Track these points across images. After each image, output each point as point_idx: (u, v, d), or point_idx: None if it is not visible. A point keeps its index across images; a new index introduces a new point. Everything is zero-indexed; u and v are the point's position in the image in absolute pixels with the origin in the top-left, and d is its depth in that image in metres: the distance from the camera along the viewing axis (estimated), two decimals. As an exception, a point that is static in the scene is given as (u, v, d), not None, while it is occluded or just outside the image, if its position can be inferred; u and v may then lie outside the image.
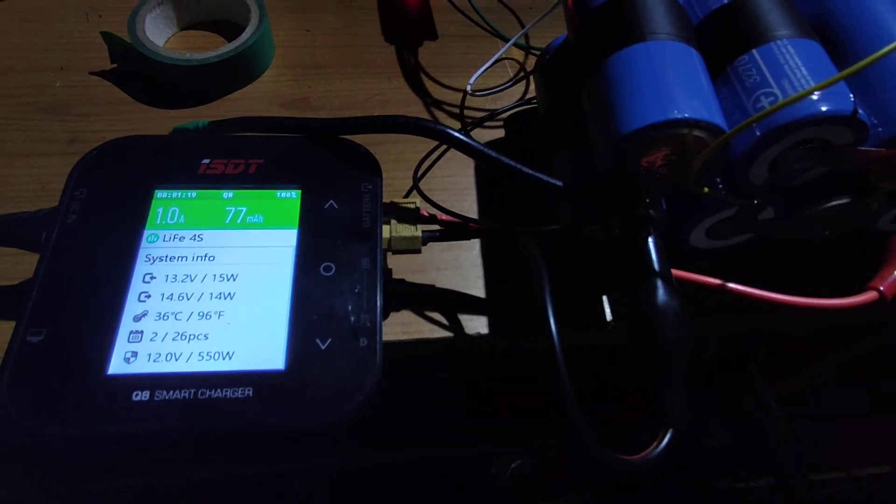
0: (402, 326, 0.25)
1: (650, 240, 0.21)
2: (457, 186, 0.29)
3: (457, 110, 0.32)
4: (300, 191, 0.22)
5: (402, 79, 0.33)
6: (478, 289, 0.26)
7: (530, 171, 0.22)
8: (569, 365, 0.19)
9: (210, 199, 0.21)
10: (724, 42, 0.23)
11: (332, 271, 0.20)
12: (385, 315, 0.25)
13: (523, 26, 0.36)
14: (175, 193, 0.21)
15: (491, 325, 0.25)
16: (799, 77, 0.21)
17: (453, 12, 0.36)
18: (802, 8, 0.24)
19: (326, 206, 0.22)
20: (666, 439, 0.19)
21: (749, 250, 0.27)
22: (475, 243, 0.27)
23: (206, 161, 0.22)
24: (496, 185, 0.29)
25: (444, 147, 0.29)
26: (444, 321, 0.25)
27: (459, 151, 0.22)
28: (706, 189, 0.22)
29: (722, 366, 0.46)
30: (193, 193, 0.22)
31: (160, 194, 0.21)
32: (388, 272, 0.26)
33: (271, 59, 0.33)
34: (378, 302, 0.20)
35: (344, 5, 0.36)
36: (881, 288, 0.22)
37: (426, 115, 0.31)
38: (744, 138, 0.21)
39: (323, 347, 0.19)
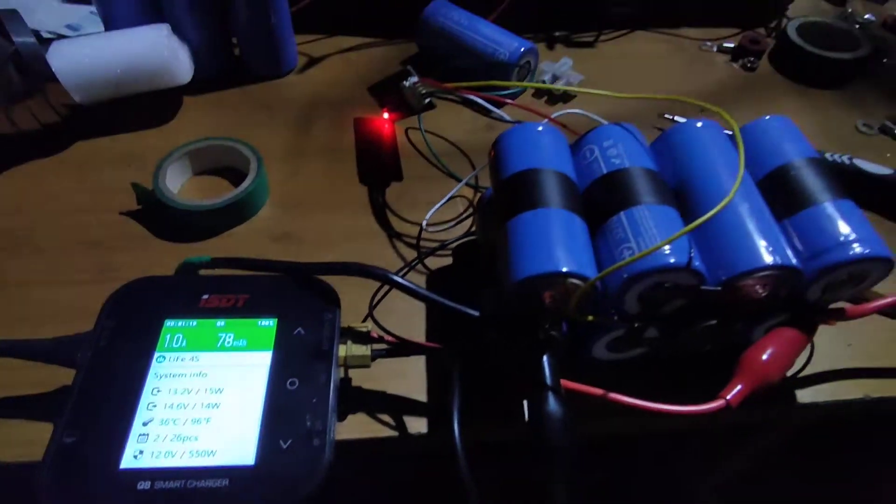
0: (361, 426, 0.31)
1: (545, 358, 0.27)
2: (407, 311, 0.35)
3: (415, 241, 0.39)
4: (276, 319, 0.29)
5: (371, 215, 0.40)
6: (421, 394, 0.32)
7: (451, 304, 0.28)
8: (474, 457, 0.25)
9: (207, 327, 0.28)
10: (602, 205, 0.30)
11: (296, 385, 0.26)
12: (342, 417, 0.30)
13: (474, 168, 0.44)
14: (180, 322, 0.28)
15: (430, 425, 0.31)
16: (652, 235, 0.28)
17: (418, 157, 0.45)
18: (669, 178, 0.32)
19: (295, 332, 0.28)
20: (550, 520, 0.25)
21: (655, 359, 0.33)
22: (422, 357, 0.33)
23: (205, 296, 0.29)
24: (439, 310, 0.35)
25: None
26: (392, 422, 0.31)
27: (395, 288, 0.28)
28: (590, 317, 0.28)
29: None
30: (194, 323, 0.28)
31: (169, 323, 0.28)
32: (347, 381, 0.32)
33: (266, 199, 0.40)
34: (329, 410, 0.26)
35: (327, 153, 0.44)
36: (728, 397, 0.27)
37: (389, 247, 0.39)
38: (615, 279, 0.28)
39: (284, 447, 0.25)
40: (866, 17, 0.62)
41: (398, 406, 0.31)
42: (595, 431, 0.33)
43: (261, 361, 0.27)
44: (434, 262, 0.38)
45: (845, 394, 0.34)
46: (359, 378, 0.32)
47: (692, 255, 0.27)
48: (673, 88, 0.53)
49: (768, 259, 0.27)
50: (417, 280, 0.37)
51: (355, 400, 0.31)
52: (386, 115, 0.46)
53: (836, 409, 0.34)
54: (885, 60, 0.56)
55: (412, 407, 0.31)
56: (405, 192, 0.42)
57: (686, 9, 0.59)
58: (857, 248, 0.28)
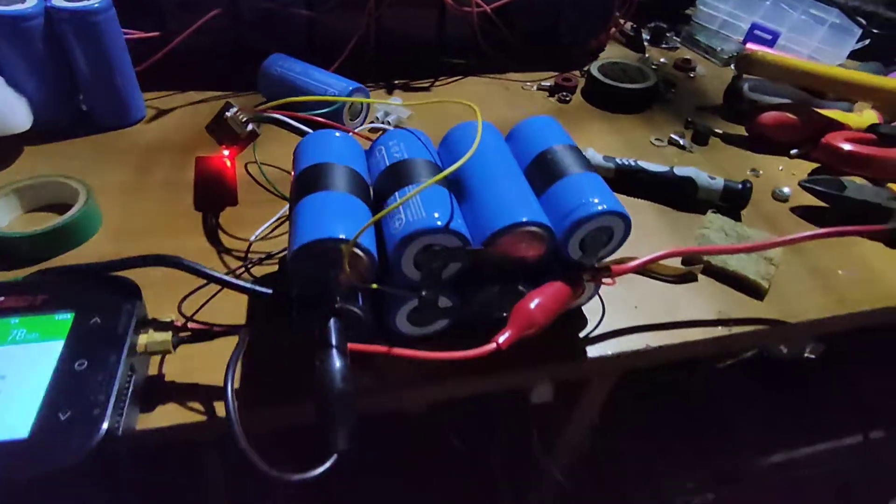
0: (169, 415, 0.31)
1: (331, 321, 0.30)
2: (232, 308, 0.37)
3: (243, 255, 0.41)
4: (74, 313, 0.30)
5: (204, 237, 0.43)
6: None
7: (242, 284, 0.31)
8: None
9: (1, 326, 0.29)
10: (384, 190, 0.34)
11: (85, 366, 0.28)
12: (151, 408, 0.31)
13: (309, 191, 0.48)
14: (-28, 323, 0.29)
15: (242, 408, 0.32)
16: (418, 207, 0.32)
17: (256, 187, 0.48)
18: (447, 163, 0.36)
19: (92, 322, 0.30)
20: (329, 462, 0.26)
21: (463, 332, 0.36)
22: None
23: (1, 299, 0.30)
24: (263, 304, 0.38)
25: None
26: (201, 409, 0.32)
27: (186, 272, 0.30)
28: (374, 285, 0.31)
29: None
30: (-14, 322, 0.29)
31: (-40, 324, 0.29)
32: (160, 378, 0.33)
33: (97, 229, 0.42)
34: (115, 384, 0.27)
35: (166, 189, 0.47)
36: (499, 341, 0.31)
37: (217, 260, 0.41)
38: (391, 247, 0.31)
39: (63, 418, 0.26)
40: (661, 61, 0.74)
41: (208, 394, 0.32)
42: (418, 399, 0.35)
43: (52, 350, 0.28)
44: (261, 271, 0.40)
45: (629, 346, 0.38)
46: (172, 372, 0.33)
47: (453, 218, 0.31)
48: (498, 121, 0.60)
49: (521, 217, 0.32)
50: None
51: (165, 391, 0.32)
52: (226, 153, 0.49)
53: (623, 359, 0.38)
54: (673, 91, 0.67)
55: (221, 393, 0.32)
56: (240, 216, 0.45)
57: (510, 57, 0.68)
58: (598, 206, 0.33)
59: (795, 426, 0.68)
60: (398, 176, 0.34)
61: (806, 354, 0.71)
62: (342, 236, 0.30)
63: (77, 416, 0.26)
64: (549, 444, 0.49)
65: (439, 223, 0.31)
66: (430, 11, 0.64)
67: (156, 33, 0.55)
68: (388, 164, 0.35)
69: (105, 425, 0.25)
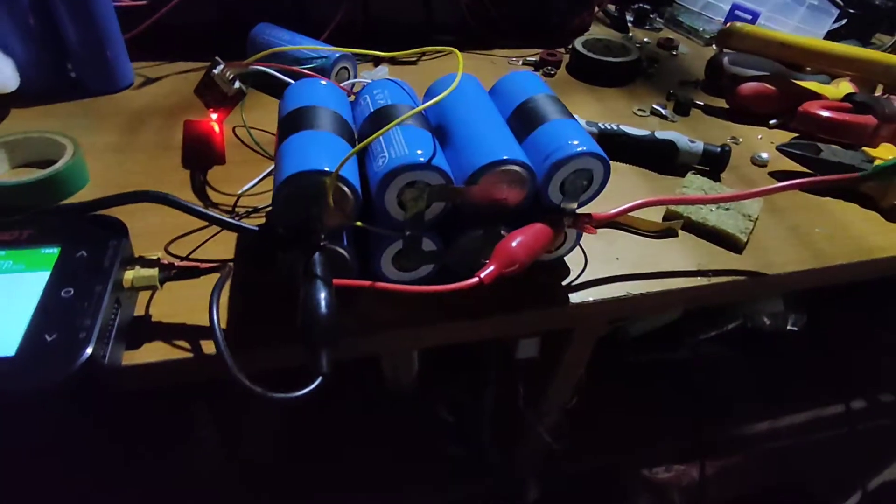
0: (156, 351, 0.32)
1: (316, 255, 0.30)
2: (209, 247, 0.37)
3: (230, 209, 0.42)
4: (60, 247, 0.30)
5: (192, 191, 0.43)
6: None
7: (228, 220, 0.31)
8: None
9: (-15, 257, 0.29)
10: (366, 130, 0.35)
11: (71, 293, 0.28)
12: (138, 345, 0.31)
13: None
14: (-42, 255, 0.29)
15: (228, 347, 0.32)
16: (401, 145, 0.32)
17: (244, 149, 0.48)
18: (430, 114, 0.37)
19: (78, 255, 0.30)
20: (314, 384, 0.27)
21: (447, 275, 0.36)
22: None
23: (-14, 233, 0.30)
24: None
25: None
26: (188, 346, 0.32)
27: (172, 207, 0.31)
28: (359, 223, 0.32)
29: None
30: (-28, 254, 0.29)
31: (-55, 256, 0.29)
32: (148, 318, 0.33)
33: (84, 183, 0.42)
34: (101, 311, 0.27)
35: (155, 149, 0.47)
36: (482, 276, 0.32)
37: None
38: (375, 183, 0.32)
39: (49, 339, 0.26)
40: (644, 40, 0.75)
41: (196, 333, 0.33)
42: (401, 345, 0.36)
43: (38, 279, 0.28)
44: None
45: (610, 293, 0.39)
46: (159, 313, 0.33)
47: (435, 155, 0.32)
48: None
49: (502, 154, 0.33)
50: (230, 239, 0.39)
51: (151, 330, 0.32)
52: (214, 117, 0.49)
53: (605, 305, 0.38)
54: (655, 65, 0.68)
55: (208, 332, 0.33)
56: (227, 174, 0.45)
57: (498, 35, 0.69)
58: (577, 147, 0.34)
59: (778, 396, 0.70)
60: (382, 119, 0.35)
61: (789, 327, 0.72)
62: (326, 168, 0.30)
63: (62, 339, 0.26)
64: (535, 401, 0.49)
65: (422, 159, 0.31)
66: (417, -11, 0.65)
67: (144, 1, 0.56)
68: (372, 109, 0.36)
69: (89, 350, 0.26)
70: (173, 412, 0.43)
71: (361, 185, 0.33)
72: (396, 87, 0.38)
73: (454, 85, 0.34)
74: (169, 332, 0.33)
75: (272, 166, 0.44)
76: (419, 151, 0.32)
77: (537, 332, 0.49)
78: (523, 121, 0.37)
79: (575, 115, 0.52)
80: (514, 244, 0.33)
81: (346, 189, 0.31)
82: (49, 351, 0.25)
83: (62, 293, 0.28)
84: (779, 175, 0.52)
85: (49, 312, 0.27)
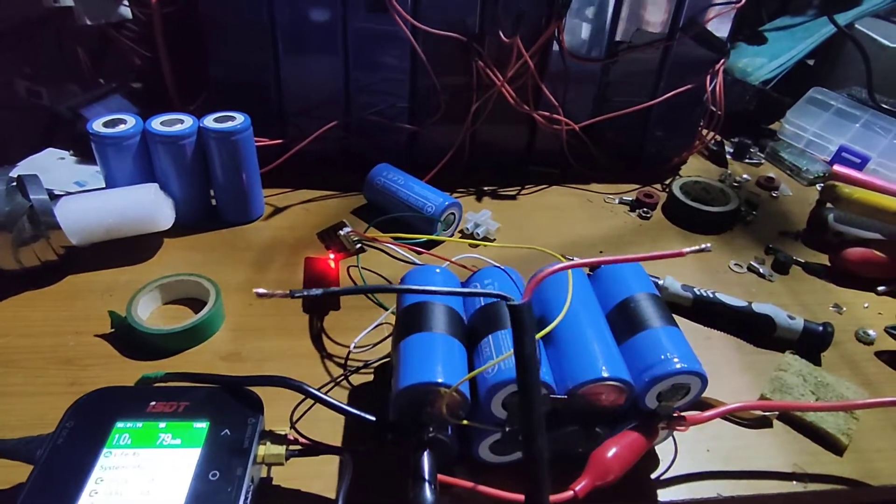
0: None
1: (424, 454, 0.33)
2: (331, 422, 0.41)
3: (343, 361, 0.46)
4: (209, 422, 0.35)
5: (309, 339, 0.48)
6: (332, 493, 0.37)
7: (351, 410, 0.35)
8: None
9: (150, 428, 0.34)
10: (478, 330, 0.38)
11: (217, 477, 0.32)
12: (260, 511, 0.35)
13: (403, 299, 0.52)
14: (129, 424, 0.34)
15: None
16: (510, 358, 0.35)
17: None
18: (535, 306, 0.40)
19: (223, 434, 0.34)
20: None
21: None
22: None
23: (153, 403, 0.35)
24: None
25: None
26: (303, 516, 0.36)
27: (306, 397, 0.35)
28: (465, 421, 0.35)
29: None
30: (140, 424, 0.34)
31: (119, 424, 0.34)
32: (268, 480, 0.37)
33: (220, 324, 0.48)
34: (241, 497, 0.31)
35: (280, 287, 0.53)
36: (576, 489, 0.33)
37: (320, 366, 0.46)
38: (482, 390, 0.35)
39: (199, 527, 0.30)
40: (743, 177, 0.75)
41: (313, 501, 0.36)
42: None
43: (191, 456, 0.33)
44: (358, 380, 0.45)
45: (700, 493, 0.39)
46: (281, 478, 0.37)
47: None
48: (580, 233, 0.63)
49: (604, 373, 0.35)
50: (341, 394, 0.44)
51: (276, 497, 0.36)
52: (332, 256, 0.55)
53: (692, 507, 0.39)
54: (754, 213, 0.68)
55: (321, 502, 0.36)
56: (341, 320, 0.50)
57: (596, 170, 0.72)
58: (676, 364, 0.36)
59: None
60: (491, 318, 0.38)
61: None
62: (440, 380, 0.33)
63: (210, 526, 0.30)
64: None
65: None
66: (522, 127, 0.69)
67: (279, 140, 0.63)
68: (482, 303, 0.39)
69: (232, 534, 0.30)
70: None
71: (470, 384, 0.36)
72: (505, 278, 0.41)
73: (565, 310, 0.37)
74: (287, 500, 0.36)
75: (383, 315, 0.49)
76: (524, 365, 0.34)
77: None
78: (625, 322, 0.39)
79: (669, 278, 0.54)
80: (609, 455, 0.35)
81: (458, 397, 0.34)
82: (200, 538, 0.30)
83: (210, 476, 0.32)
84: (887, 357, 0.51)
85: (199, 497, 0.31)
